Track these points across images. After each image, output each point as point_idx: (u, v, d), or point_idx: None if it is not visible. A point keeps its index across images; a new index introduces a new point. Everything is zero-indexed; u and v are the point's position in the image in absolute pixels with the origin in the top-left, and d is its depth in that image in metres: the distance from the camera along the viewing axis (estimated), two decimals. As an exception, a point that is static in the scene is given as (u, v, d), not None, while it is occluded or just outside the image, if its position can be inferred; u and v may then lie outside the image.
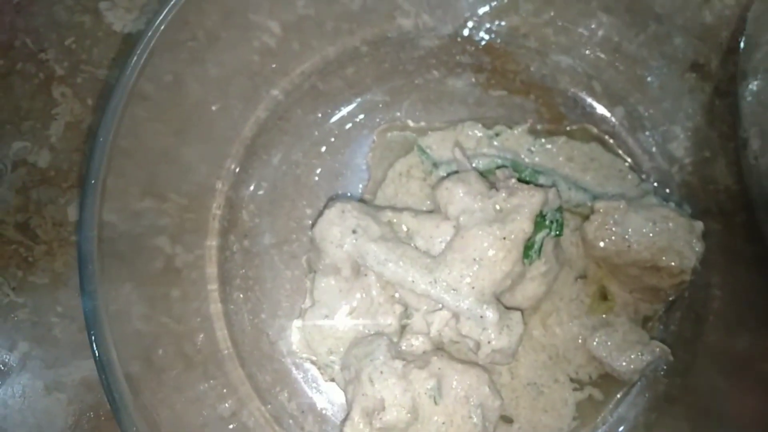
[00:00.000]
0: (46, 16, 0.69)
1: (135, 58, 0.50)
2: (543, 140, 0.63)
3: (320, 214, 0.58)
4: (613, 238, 0.55)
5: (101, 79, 0.68)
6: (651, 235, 0.55)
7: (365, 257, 0.54)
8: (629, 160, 0.64)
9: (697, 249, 0.55)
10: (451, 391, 0.52)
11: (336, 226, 0.55)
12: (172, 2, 0.51)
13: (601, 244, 0.56)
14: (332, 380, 0.60)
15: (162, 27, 0.51)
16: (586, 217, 0.58)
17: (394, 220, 0.57)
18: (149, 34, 0.51)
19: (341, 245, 0.55)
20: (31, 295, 0.64)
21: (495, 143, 0.63)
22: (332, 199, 0.62)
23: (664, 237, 0.54)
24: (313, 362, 0.61)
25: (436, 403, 0.52)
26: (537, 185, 0.57)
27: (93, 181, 0.49)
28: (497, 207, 0.54)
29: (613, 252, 0.56)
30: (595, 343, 0.58)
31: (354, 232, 0.55)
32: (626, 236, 0.55)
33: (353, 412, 0.53)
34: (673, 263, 0.54)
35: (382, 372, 0.52)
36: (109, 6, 0.70)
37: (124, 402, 0.47)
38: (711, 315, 0.60)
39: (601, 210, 0.56)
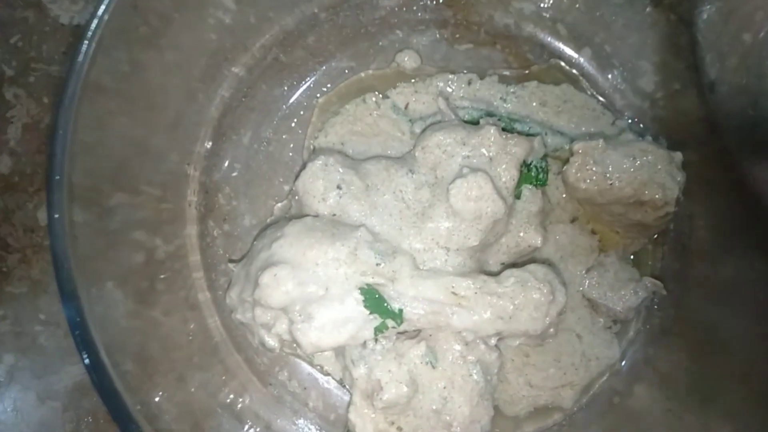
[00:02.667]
0: (-15, 16, 0.66)
1: (84, 49, 0.47)
2: (514, 87, 0.62)
3: (303, 166, 0.57)
4: (594, 177, 0.55)
5: (55, 76, 0.65)
6: (632, 170, 0.54)
7: (349, 213, 0.53)
8: (602, 99, 0.63)
9: (678, 179, 0.55)
10: (446, 353, 0.51)
11: (320, 180, 0.54)
12: (116, -13, 0.48)
13: (583, 185, 0.55)
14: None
15: (107, 16, 0.48)
16: (566, 161, 0.57)
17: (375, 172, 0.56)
18: (95, 22, 0.48)
19: (324, 200, 0.54)
20: (10, 306, 0.62)
21: (468, 94, 0.62)
22: (315, 152, 0.60)
23: (644, 171, 0.54)
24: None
25: (433, 367, 0.51)
26: (521, 134, 0.56)
27: (57, 179, 0.46)
28: (483, 156, 0.53)
29: (596, 192, 0.55)
30: (587, 285, 0.58)
31: (339, 188, 0.54)
32: (607, 174, 0.54)
33: (354, 397, 0.52)
34: (657, 196, 0.54)
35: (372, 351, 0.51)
36: (52, -2, 0.67)
37: (120, 403, 0.45)
38: (696, 245, 0.60)
39: (580, 151, 0.55)
